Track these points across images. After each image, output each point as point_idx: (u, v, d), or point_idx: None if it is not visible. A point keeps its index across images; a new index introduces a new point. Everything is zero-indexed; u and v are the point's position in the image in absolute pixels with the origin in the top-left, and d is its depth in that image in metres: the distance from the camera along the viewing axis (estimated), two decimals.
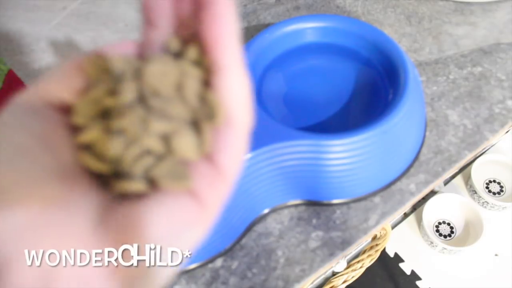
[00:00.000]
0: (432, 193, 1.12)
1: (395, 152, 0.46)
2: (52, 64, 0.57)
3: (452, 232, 1.09)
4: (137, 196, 0.22)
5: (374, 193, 0.48)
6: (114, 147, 0.23)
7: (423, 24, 0.62)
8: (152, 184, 0.23)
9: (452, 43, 0.60)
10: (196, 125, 0.24)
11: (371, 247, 0.91)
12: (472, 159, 1.05)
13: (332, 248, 0.45)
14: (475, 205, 1.10)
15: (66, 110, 0.24)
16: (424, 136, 0.51)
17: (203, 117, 0.23)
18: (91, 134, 0.23)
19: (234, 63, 0.22)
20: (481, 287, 1.04)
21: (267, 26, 0.61)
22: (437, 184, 0.49)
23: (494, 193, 1.12)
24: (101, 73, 0.25)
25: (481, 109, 0.53)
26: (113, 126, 0.23)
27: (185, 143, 0.23)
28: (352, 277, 0.91)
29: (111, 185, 0.23)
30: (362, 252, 0.93)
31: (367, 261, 0.91)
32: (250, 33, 0.61)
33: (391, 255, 1.10)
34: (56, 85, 0.23)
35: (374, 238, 0.91)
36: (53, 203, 0.20)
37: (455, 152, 0.50)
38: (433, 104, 0.54)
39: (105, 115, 0.24)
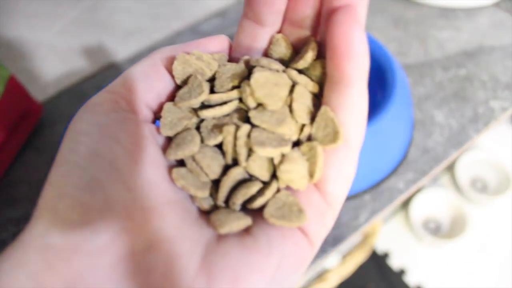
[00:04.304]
0: (419, 190, 1.14)
1: (384, 152, 0.47)
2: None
3: (439, 227, 1.12)
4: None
5: (364, 192, 0.48)
6: (210, 168, 0.19)
7: (409, 28, 0.63)
8: (254, 214, 0.19)
9: (438, 46, 0.61)
10: (305, 147, 0.19)
11: (362, 244, 0.93)
12: (457, 157, 1.07)
13: (324, 245, 0.45)
14: (460, 201, 1.12)
15: (149, 117, 0.20)
16: (412, 136, 0.52)
17: (318, 139, 0.19)
18: (182, 153, 0.19)
19: (361, 77, 0.18)
20: (468, 280, 1.07)
21: None
22: (424, 182, 0.50)
23: (478, 190, 1.15)
24: (191, 75, 0.20)
25: (466, 110, 0.54)
26: (208, 142, 0.19)
27: (295, 171, 0.18)
28: (344, 272, 0.93)
29: (210, 217, 0.18)
30: (354, 248, 0.94)
31: (358, 257, 0.93)
32: None
33: (381, 251, 1.12)
34: (139, 86, 0.20)
35: (365, 234, 0.93)
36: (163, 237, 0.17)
37: (442, 151, 0.51)
38: (420, 105, 0.55)
39: (198, 127, 0.20)
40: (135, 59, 0.61)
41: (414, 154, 0.51)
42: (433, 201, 1.12)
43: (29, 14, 0.53)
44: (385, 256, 1.10)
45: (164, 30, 0.63)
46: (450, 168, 1.18)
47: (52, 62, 0.58)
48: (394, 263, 1.09)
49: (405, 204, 1.12)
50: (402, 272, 1.08)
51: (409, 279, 1.07)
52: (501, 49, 0.60)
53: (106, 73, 0.60)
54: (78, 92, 0.58)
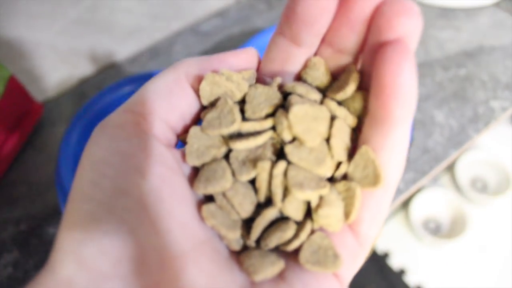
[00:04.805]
0: (419, 190, 1.14)
1: None
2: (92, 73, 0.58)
3: (439, 227, 1.12)
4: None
5: None
6: (242, 206, 0.18)
7: None
8: (285, 254, 0.18)
9: (438, 46, 0.61)
10: (342, 186, 0.18)
11: None
12: (457, 157, 1.07)
13: None
14: (460, 201, 1.12)
15: (172, 140, 0.19)
16: (412, 136, 0.52)
17: (356, 179, 0.18)
18: (213, 188, 0.17)
19: (407, 117, 0.17)
20: (468, 280, 1.07)
21: (259, 30, 0.63)
22: (424, 181, 0.50)
23: (478, 190, 1.15)
24: (220, 97, 0.19)
25: (466, 110, 0.54)
26: (239, 178, 0.18)
27: (333, 215, 0.17)
28: None
29: (241, 260, 0.17)
30: None
31: None
32: (243, 38, 0.63)
33: (381, 251, 1.12)
34: (162, 105, 0.18)
35: None
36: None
37: (442, 151, 0.51)
38: (420, 105, 0.55)
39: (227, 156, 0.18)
40: (135, 59, 0.61)
41: (414, 154, 0.51)
42: (433, 201, 1.12)
43: (29, 14, 0.53)
44: (385, 256, 1.10)
45: (164, 30, 0.63)
46: (450, 168, 1.18)
47: (52, 62, 0.58)
48: (394, 263, 1.10)
49: (405, 204, 1.12)
50: (402, 272, 1.08)
51: (409, 279, 1.07)
52: (501, 49, 0.60)
53: (106, 73, 0.60)
54: (78, 92, 0.58)
